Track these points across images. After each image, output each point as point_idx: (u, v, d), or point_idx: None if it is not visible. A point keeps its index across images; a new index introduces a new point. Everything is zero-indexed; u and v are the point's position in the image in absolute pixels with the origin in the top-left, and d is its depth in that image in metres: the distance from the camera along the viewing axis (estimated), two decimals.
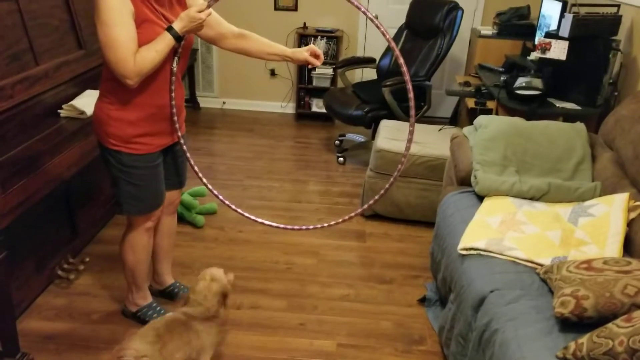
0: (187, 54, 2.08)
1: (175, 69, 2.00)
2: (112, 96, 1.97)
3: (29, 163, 2.10)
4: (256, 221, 2.21)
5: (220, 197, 2.22)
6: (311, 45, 2.19)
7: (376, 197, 2.23)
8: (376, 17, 5.34)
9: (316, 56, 2.16)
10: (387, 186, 2.15)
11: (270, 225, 2.22)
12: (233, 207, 2.20)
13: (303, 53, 2.18)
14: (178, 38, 1.90)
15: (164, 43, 1.87)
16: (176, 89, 2.06)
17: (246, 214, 2.21)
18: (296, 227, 2.26)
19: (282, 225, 2.25)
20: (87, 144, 2.48)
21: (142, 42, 1.86)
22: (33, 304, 2.51)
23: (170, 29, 1.88)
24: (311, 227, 2.26)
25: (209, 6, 1.92)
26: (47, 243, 2.58)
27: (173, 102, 2.04)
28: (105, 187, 3.17)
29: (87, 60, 2.80)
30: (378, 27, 1.90)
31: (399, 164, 2.10)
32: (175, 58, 2.00)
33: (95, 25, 1.82)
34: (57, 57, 2.58)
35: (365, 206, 2.30)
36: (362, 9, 1.93)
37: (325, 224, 2.27)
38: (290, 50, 2.21)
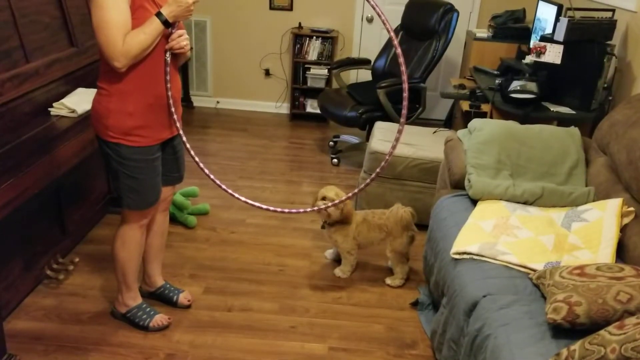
0: None
1: (169, 59, 2.02)
2: (110, 88, 2.00)
3: (19, 161, 2.08)
4: (244, 201, 2.17)
5: (224, 187, 2.17)
6: None
7: (355, 190, 2.25)
8: (371, 19, 5.32)
9: None
10: (368, 180, 2.16)
11: (260, 207, 2.17)
12: (230, 191, 2.16)
13: None
14: (166, 23, 1.93)
15: (152, 26, 1.92)
16: (173, 80, 2.08)
17: (242, 199, 2.17)
18: (279, 209, 2.22)
19: (272, 208, 2.20)
20: (78, 142, 2.45)
21: (135, 27, 1.91)
22: (21, 304, 2.48)
23: (159, 14, 1.93)
24: (294, 210, 2.23)
25: None
26: (36, 242, 2.55)
27: (169, 93, 2.06)
28: (96, 186, 3.14)
29: (78, 58, 2.77)
30: (379, 16, 1.89)
31: (384, 162, 2.10)
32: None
33: (90, 10, 1.88)
34: (48, 55, 2.55)
35: (344, 197, 2.33)
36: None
37: (309, 209, 2.29)
38: None
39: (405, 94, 1.98)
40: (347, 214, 2.72)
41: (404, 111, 2.00)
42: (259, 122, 5.21)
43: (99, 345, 2.28)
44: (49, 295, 2.56)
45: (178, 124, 2.12)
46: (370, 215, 2.78)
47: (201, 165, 2.15)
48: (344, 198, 2.40)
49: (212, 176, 2.13)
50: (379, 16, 1.91)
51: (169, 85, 2.05)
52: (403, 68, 1.97)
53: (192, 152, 2.14)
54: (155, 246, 2.45)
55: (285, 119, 5.33)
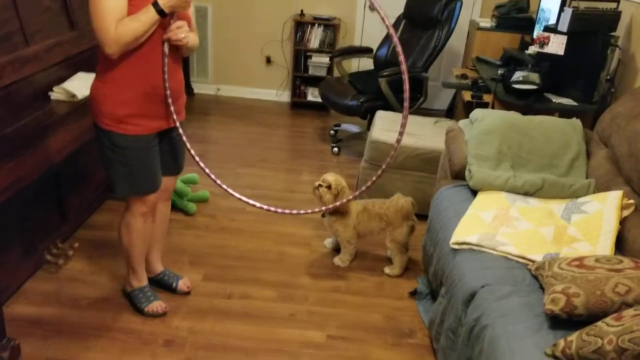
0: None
1: (167, 50, 1.99)
2: (107, 74, 1.99)
3: (18, 146, 2.07)
4: (247, 202, 2.20)
5: (223, 185, 2.17)
6: None
7: (362, 187, 2.24)
8: (373, 7, 5.28)
9: None
10: (374, 178, 2.14)
11: (262, 208, 2.20)
12: (230, 190, 2.17)
13: None
14: (161, 12, 1.91)
15: (146, 15, 1.90)
16: (173, 72, 2.06)
17: (244, 199, 2.19)
18: (272, 208, 2.24)
19: (273, 209, 2.22)
20: (77, 127, 2.44)
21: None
22: (20, 289, 2.48)
23: (155, 4, 1.91)
24: (294, 211, 2.24)
25: None
26: (36, 227, 2.55)
27: (167, 85, 2.03)
28: (97, 171, 3.14)
29: (79, 41, 2.75)
30: (379, 12, 1.89)
31: (389, 156, 2.09)
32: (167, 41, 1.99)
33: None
34: (49, 38, 2.53)
35: (351, 197, 2.32)
36: None
37: (309, 210, 2.29)
38: None
39: (407, 95, 1.97)
40: (343, 204, 2.71)
41: (406, 104, 1.99)
42: (260, 109, 5.19)
43: (98, 330, 2.29)
44: (48, 280, 2.57)
45: (175, 117, 2.09)
46: (370, 205, 2.78)
47: (197, 158, 2.13)
48: (351, 198, 2.34)
49: (207, 170, 2.11)
50: (379, 12, 1.90)
51: (166, 76, 2.02)
52: (404, 67, 1.96)
53: (188, 145, 2.12)
54: (155, 234, 2.45)
55: (286, 107, 5.31)
